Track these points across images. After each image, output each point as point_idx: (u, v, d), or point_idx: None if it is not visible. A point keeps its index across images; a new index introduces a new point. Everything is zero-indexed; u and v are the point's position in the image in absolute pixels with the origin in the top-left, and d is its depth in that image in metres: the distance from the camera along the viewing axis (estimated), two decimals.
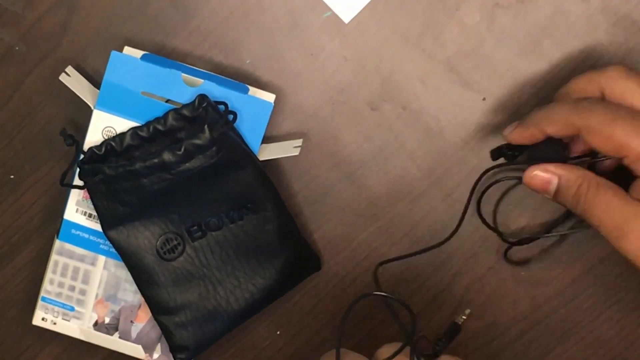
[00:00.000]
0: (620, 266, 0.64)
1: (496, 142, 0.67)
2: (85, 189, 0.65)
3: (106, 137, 0.65)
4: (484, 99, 0.67)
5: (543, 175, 0.60)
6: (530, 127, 0.61)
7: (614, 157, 0.58)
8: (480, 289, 0.68)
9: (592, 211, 0.58)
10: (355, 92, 0.67)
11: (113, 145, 0.64)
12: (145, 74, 0.65)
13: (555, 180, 0.60)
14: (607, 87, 0.60)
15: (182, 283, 0.65)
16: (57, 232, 0.67)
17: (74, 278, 0.67)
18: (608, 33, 0.66)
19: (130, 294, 0.67)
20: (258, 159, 0.65)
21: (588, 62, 0.66)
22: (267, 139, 0.67)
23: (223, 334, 0.67)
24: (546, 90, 0.67)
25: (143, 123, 0.65)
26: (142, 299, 0.67)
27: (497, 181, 0.65)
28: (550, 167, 0.60)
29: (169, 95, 0.65)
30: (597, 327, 0.69)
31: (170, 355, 0.67)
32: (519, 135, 0.61)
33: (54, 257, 0.67)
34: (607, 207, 0.58)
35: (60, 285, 0.67)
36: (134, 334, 0.68)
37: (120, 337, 0.68)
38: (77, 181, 0.65)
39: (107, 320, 0.68)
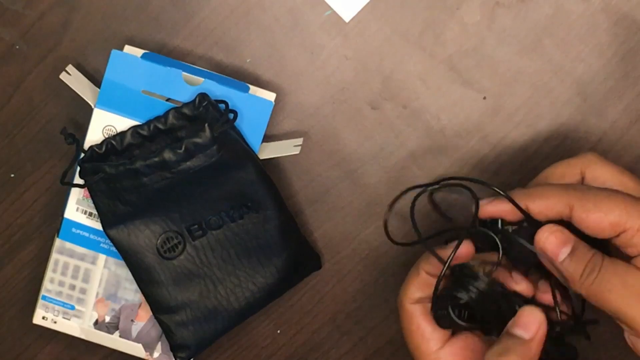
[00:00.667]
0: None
1: (496, 143, 0.67)
2: (86, 188, 0.65)
3: (107, 136, 0.65)
4: (484, 98, 0.67)
5: (562, 234, 0.56)
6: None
7: (607, 237, 0.56)
8: None
9: (608, 288, 0.55)
10: (356, 91, 0.67)
11: (113, 144, 0.64)
12: (145, 73, 0.65)
13: (572, 242, 0.56)
14: (587, 171, 0.59)
15: (183, 282, 0.65)
16: (58, 231, 0.67)
17: (74, 277, 0.67)
18: (609, 32, 0.66)
19: (131, 292, 0.67)
20: (258, 158, 0.65)
21: (589, 61, 0.66)
22: (267, 138, 0.67)
23: (223, 332, 0.67)
24: (545, 91, 0.67)
25: (143, 122, 0.65)
26: (143, 298, 0.67)
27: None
28: (564, 229, 0.56)
29: (169, 94, 0.65)
30: (598, 328, 0.69)
31: (171, 354, 0.67)
32: (495, 209, 0.58)
33: (54, 255, 0.67)
34: (626, 290, 0.55)
35: (61, 284, 0.67)
36: (134, 333, 0.68)
37: (120, 336, 0.68)
38: (77, 180, 0.65)
39: (107, 319, 0.67)
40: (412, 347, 0.59)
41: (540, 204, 0.57)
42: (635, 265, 0.56)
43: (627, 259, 0.56)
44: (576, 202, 0.56)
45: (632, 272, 0.55)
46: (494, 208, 0.58)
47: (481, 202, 0.58)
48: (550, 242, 0.56)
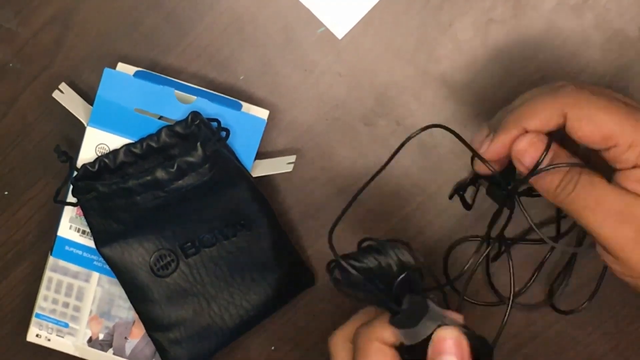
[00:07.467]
0: (616, 280, 0.64)
1: None
2: (79, 206, 0.65)
3: (100, 154, 0.65)
4: (478, 114, 0.67)
5: (541, 142, 0.55)
6: (512, 130, 0.56)
7: (598, 149, 0.55)
8: (475, 304, 0.68)
9: (582, 205, 0.54)
10: (350, 108, 0.67)
11: (106, 162, 0.64)
12: (138, 91, 0.65)
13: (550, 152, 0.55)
14: (570, 114, 0.56)
15: (176, 299, 0.65)
16: (51, 249, 0.67)
17: (67, 294, 0.67)
18: (602, 48, 0.66)
19: (124, 310, 0.67)
20: (251, 176, 0.65)
21: (582, 77, 0.66)
22: (261, 155, 0.67)
23: (217, 350, 0.67)
24: None
25: (136, 140, 0.65)
26: (136, 316, 0.67)
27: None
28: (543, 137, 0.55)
29: (162, 112, 0.65)
30: (593, 341, 0.69)
31: None
32: (500, 145, 0.56)
33: (47, 273, 0.67)
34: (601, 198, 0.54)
35: (54, 301, 0.67)
36: (128, 351, 0.68)
37: (114, 354, 0.68)
38: (70, 198, 0.65)
39: (101, 336, 0.67)
40: None
41: (535, 122, 0.55)
42: (617, 181, 0.55)
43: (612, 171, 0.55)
44: (569, 110, 0.54)
45: (607, 190, 0.54)
46: (498, 146, 0.56)
47: (482, 150, 0.57)
48: (529, 151, 0.55)
